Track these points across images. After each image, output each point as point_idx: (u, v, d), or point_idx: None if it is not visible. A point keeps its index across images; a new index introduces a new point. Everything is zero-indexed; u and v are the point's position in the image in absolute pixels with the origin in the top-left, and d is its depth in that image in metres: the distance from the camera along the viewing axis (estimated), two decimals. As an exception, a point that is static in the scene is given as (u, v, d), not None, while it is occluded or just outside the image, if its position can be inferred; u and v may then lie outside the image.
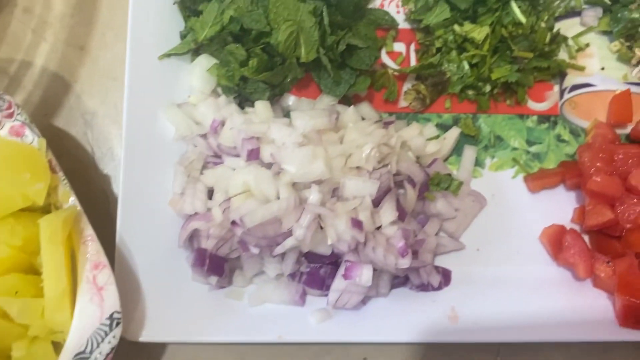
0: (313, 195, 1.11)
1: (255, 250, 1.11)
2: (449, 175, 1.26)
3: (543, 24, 1.32)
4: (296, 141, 1.12)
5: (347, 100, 1.32)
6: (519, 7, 1.27)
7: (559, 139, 1.36)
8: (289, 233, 1.11)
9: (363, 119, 1.31)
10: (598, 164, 1.25)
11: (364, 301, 1.21)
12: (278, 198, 1.13)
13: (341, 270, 1.14)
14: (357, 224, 1.10)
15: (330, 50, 1.21)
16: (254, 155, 1.14)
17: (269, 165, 1.15)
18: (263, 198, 1.14)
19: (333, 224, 1.10)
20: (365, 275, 1.11)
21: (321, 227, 1.13)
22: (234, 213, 1.10)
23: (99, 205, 1.27)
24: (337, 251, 1.14)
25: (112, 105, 1.33)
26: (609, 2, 1.38)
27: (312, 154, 1.11)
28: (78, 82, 1.35)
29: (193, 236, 1.20)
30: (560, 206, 1.32)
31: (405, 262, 1.12)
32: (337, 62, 1.24)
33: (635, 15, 1.33)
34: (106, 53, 1.36)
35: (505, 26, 1.27)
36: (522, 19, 1.25)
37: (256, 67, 1.19)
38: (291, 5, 1.20)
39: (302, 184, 1.14)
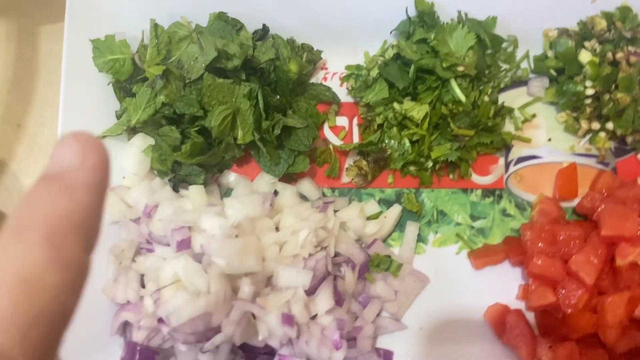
0: (243, 289, 1.09)
1: (183, 348, 1.09)
2: (389, 256, 1.24)
3: (486, 98, 1.30)
4: (226, 233, 1.10)
5: (290, 175, 1.31)
6: (460, 84, 1.25)
7: (504, 213, 1.34)
8: (219, 328, 1.08)
9: (303, 196, 1.29)
10: (540, 245, 1.23)
11: (302, 390, 1.19)
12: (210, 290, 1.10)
13: (274, 363, 1.12)
14: (288, 319, 1.08)
15: (267, 133, 1.19)
16: (184, 245, 1.12)
17: (200, 256, 1.13)
18: (194, 290, 1.11)
19: (264, 319, 1.08)
20: (296, 369, 1.09)
21: (254, 317, 1.11)
22: (160, 309, 1.08)
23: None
24: (271, 345, 1.11)
25: (49, 184, 1.30)
26: (554, 73, 1.36)
27: (242, 246, 1.09)
28: (14, 161, 1.32)
29: (126, 325, 1.17)
30: (505, 283, 1.30)
31: (339, 356, 1.10)
32: (274, 144, 1.21)
33: (580, 88, 1.31)
34: (44, 130, 1.33)
35: (446, 104, 1.25)
36: (462, 97, 1.24)
37: (189, 152, 1.16)
38: (226, 88, 1.18)
39: (237, 274, 1.12)
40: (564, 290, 1.20)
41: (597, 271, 1.16)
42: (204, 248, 1.11)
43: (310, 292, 1.15)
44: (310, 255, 1.16)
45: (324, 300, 1.14)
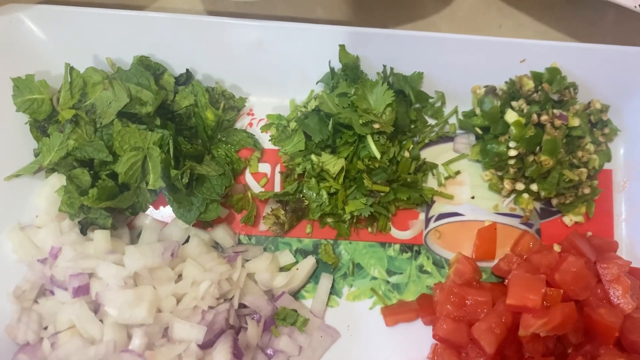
0: (134, 341, 1.08)
1: (70, 397, 1.09)
2: (295, 311, 1.23)
3: (407, 154, 1.29)
4: (120, 283, 1.09)
5: (207, 221, 1.30)
6: (377, 140, 1.24)
7: (421, 269, 1.32)
8: (109, 378, 1.08)
9: (216, 243, 1.29)
10: (448, 307, 1.21)
11: None
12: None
13: (164, 417, 1.11)
14: (175, 374, 1.07)
15: (176, 181, 1.19)
16: (81, 292, 1.12)
17: (98, 303, 1.13)
18: (88, 337, 1.11)
19: (153, 372, 1.08)
20: None
21: (147, 369, 1.10)
22: (52, 355, 1.08)
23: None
24: (160, 399, 1.10)
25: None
26: (480, 132, 1.35)
27: (135, 297, 1.09)
28: None
29: (25, 367, 1.17)
30: (417, 341, 1.28)
31: (230, 414, 1.09)
32: (184, 191, 1.21)
33: (503, 148, 1.30)
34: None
35: (362, 159, 1.25)
36: (377, 154, 1.23)
37: (97, 196, 1.16)
38: (137, 134, 1.18)
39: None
40: (467, 357, 1.18)
41: (499, 340, 1.14)
42: (98, 296, 1.11)
43: (209, 345, 1.14)
44: (210, 307, 1.16)
45: (220, 355, 1.13)
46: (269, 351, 1.24)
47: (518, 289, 1.15)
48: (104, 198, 1.18)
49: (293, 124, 1.28)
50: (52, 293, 1.19)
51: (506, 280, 1.24)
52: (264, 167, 1.36)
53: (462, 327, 1.19)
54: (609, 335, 1.14)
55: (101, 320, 1.12)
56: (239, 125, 1.36)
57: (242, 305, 1.23)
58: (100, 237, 1.18)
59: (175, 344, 1.11)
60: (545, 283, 1.16)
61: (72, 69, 1.20)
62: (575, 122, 1.30)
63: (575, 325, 1.15)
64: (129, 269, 1.11)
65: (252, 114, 1.37)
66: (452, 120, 1.38)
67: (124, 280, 1.10)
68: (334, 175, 1.25)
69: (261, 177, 1.35)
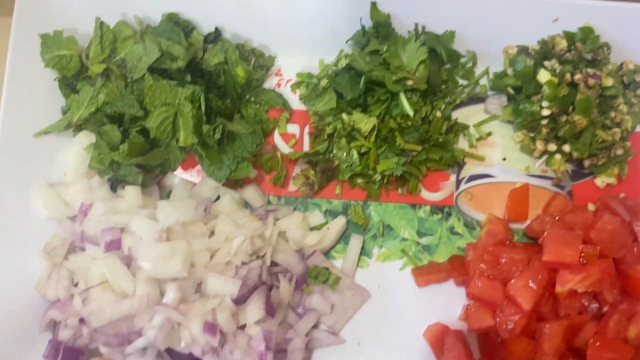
0: (168, 295, 1.07)
1: (104, 350, 1.08)
2: (327, 269, 1.22)
3: (439, 114, 1.27)
4: (154, 237, 1.08)
5: (236, 181, 1.29)
6: (409, 98, 1.22)
7: (451, 231, 1.31)
8: (142, 332, 1.07)
9: (247, 203, 1.28)
10: (482, 266, 1.20)
11: (228, 399, 1.17)
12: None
13: (198, 371, 1.10)
14: (210, 328, 1.06)
15: (208, 137, 1.18)
16: (113, 246, 1.10)
17: (130, 258, 1.12)
18: (121, 291, 1.10)
19: (187, 326, 1.06)
20: (218, 379, 1.07)
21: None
22: (84, 309, 1.07)
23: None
24: (193, 354, 1.09)
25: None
26: (512, 92, 1.34)
27: (169, 251, 1.07)
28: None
29: (55, 323, 1.16)
30: (448, 302, 1.27)
31: (263, 367, 1.08)
32: (216, 148, 1.20)
33: (536, 108, 1.28)
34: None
35: (394, 117, 1.23)
36: (410, 112, 1.21)
37: (127, 152, 1.15)
38: (168, 89, 1.17)
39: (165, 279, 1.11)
40: (502, 315, 1.17)
41: (535, 297, 1.13)
42: (132, 251, 1.09)
43: (241, 300, 1.13)
44: (243, 263, 1.15)
45: (253, 310, 1.12)
46: (300, 310, 1.23)
47: (555, 245, 1.14)
48: (134, 154, 1.17)
49: (324, 82, 1.26)
50: (82, 250, 1.17)
51: (540, 240, 1.23)
52: (293, 129, 1.34)
53: (496, 285, 1.18)
54: (647, 292, 1.13)
55: (133, 276, 1.11)
56: (267, 85, 1.35)
57: (273, 264, 1.21)
58: (131, 193, 1.17)
59: (209, 298, 1.10)
60: (581, 241, 1.15)
61: (102, 23, 1.19)
62: (609, 81, 1.28)
63: (612, 283, 1.14)
64: (163, 223, 1.10)
65: (280, 75, 1.36)
66: (483, 81, 1.37)
67: (158, 233, 1.08)
68: (366, 134, 1.23)
69: (290, 138, 1.33)
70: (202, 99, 1.17)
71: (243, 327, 1.13)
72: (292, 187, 1.31)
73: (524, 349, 1.15)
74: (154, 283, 1.10)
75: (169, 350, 1.14)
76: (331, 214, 1.30)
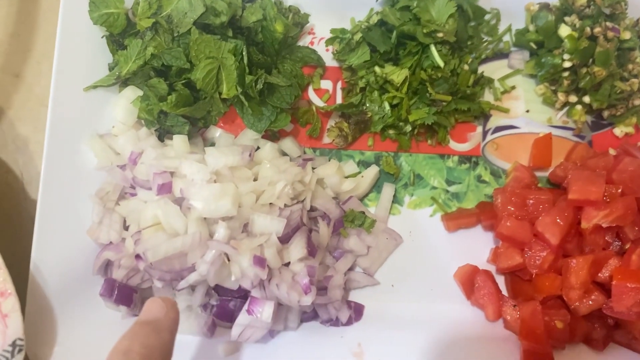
0: (219, 232, 1.14)
1: (158, 284, 1.14)
2: (363, 213, 1.29)
3: (466, 67, 1.34)
4: (205, 178, 1.15)
5: (274, 134, 1.36)
6: (439, 51, 1.29)
7: (479, 179, 1.38)
8: (194, 268, 1.14)
9: (285, 154, 1.34)
10: (510, 208, 1.27)
11: (272, 334, 1.24)
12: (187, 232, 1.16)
13: (246, 305, 1.17)
14: (259, 261, 1.12)
15: (250, 88, 1.24)
16: (164, 189, 1.17)
17: (180, 200, 1.18)
18: (172, 232, 1.17)
19: (237, 260, 1.13)
20: (266, 311, 1.14)
21: (228, 260, 1.16)
22: (139, 247, 1.13)
23: (24, 230, 1.30)
24: (243, 286, 1.16)
25: (44, 133, 1.36)
26: (534, 47, 1.40)
27: (220, 191, 1.14)
28: (12, 109, 1.38)
29: (108, 265, 1.23)
30: (477, 246, 1.34)
31: (307, 300, 1.15)
32: (257, 99, 1.27)
33: (558, 60, 1.35)
34: (40, 81, 1.39)
35: (425, 69, 1.30)
36: (441, 62, 1.28)
37: (175, 102, 1.22)
38: (212, 43, 1.23)
39: (214, 219, 1.17)
40: (530, 252, 1.23)
41: (562, 233, 1.19)
42: (183, 192, 1.16)
43: (285, 240, 1.20)
44: (286, 206, 1.21)
45: (297, 248, 1.19)
46: (336, 253, 1.30)
47: (579, 183, 1.20)
48: (181, 104, 1.23)
49: (357, 36, 1.33)
50: (133, 195, 1.24)
51: (564, 184, 1.29)
52: (326, 84, 1.41)
53: (524, 224, 1.24)
54: (668, 227, 1.19)
55: (185, 217, 1.18)
56: (300, 43, 1.41)
57: (312, 209, 1.28)
58: (179, 140, 1.24)
59: (257, 236, 1.16)
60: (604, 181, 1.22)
61: (149, -20, 1.25)
62: (627, 35, 1.35)
63: (634, 219, 1.21)
64: (212, 166, 1.17)
65: (313, 33, 1.42)
66: (506, 38, 1.43)
67: (208, 175, 1.15)
68: (398, 85, 1.30)
69: (323, 93, 1.40)
70: (245, 52, 1.24)
71: (287, 265, 1.20)
72: (326, 139, 1.38)
73: (551, 283, 1.22)
74: (204, 223, 1.16)
75: (216, 289, 1.21)
76: (364, 164, 1.37)
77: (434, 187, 1.37)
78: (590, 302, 1.20)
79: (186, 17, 1.24)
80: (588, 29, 1.33)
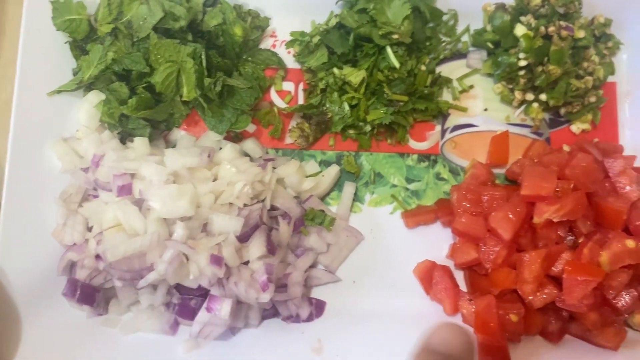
0: (177, 232, 1.17)
1: (118, 283, 1.17)
2: (323, 211, 1.32)
3: (424, 67, 1.37)
4: (163, 179, 1.18)
5: (237, 135, 1.39)
6: (395, 52, 1.32)
7: (438, 177, 1.41)
8: (153, 267, 1.16)
9: (247, 155, 1.37)
10: (466, 204, 1.30)
11: (234, 331, 1.26)
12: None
13: (205, 303, 1.19)
14: (216, 260, 1.15)
15: (209, 91, 1.27)
16: (124, 191, 1.20)
17: (140, 201, 1.21)
18: (133, 232, 1.19)
19: (195, 259, 1.16)
20: (224, 309, 1.17)
21: (187, 259, 1.18)
22: (99, 247, 1.16)
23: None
24: (202, 285, 1.19)
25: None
26: (492, 46, 1.43)
27: (177, 192, 1.17)
28: (-21, 114, 1.41)
29: (72, 266, 1.26)
30: (436, 242, 1.37)
31: (265, 297, 1.17)
32: (217, 101, 1.29)
33: (514, 59, 1.38)
34: (7, 87, 1.42)
35: (382, 70, 1.33)
36: (396, 64, 1.31)
37: (135, 106, 1.25)
38: (171, 47, 1.26)
39: (173, 219, 1.20)
40: (484, 247, 1.26)
41: (515, 228, 1.22)
42: (142, 193, 1.19)
43: (244, 239, 1.22)
44: (245, 205, 1.24)
45: (255, 247, 1.21)
46: (298, 251, 1.32)
47: (532, 179, 1.23)
48: (142, 107, 1.26)
49: (316, 39, 1.35)
50: (95, 197, 1.27)
51: (519, 180, 1.32)
52: (288, 86, 1.44)
53: (479, 220, 1.27)
54: (617, 221, 1.22)
55: (144, 217, 1.20)
56: (262, 46, 1.44)
57: (273, 208, 1.31)
58: (140, 143, 1.27)
59: (215, 236, 1.19)
60: (557, 178, 1.25)
61: (109, -13, 1.28)
62: (581, 33, 1.38)
63: (585, 214, 1.24)
64: (170, 167, 1.20)
65: (275, 36, 1.45)
66: (465, 38, 1.46)
67: (166, 176, 1.18)
68: (356, 86, 1.33)
69: (285, 95, 1.43)
70: (203, 56, 1.26)
71: (247, 263, 1.23)
72: (288, 139, 1.41)
73: (505, 277, 1.25)
74: (163, 223, 1.19)
75: (177, 287, 1.24)
76: (325, 164, 1.40)
77: (394, 185, 1.40)
78: (544, 296, 1.23)
79: (145, 22, 1.26)
80: (542, 28, 1.36)
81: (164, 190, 1.17)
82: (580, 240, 1.26)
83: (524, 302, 1.24)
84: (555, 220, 1.21)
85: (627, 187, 1.24)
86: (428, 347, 0.99)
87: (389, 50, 1.31)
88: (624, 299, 1.21)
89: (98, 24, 1.28)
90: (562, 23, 1.36)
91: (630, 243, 1.18)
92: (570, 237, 1.27)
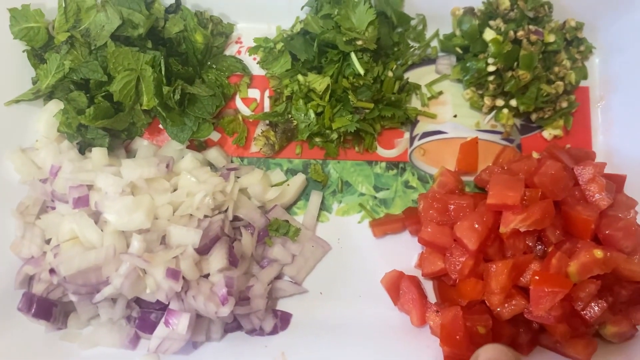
0: (132, 245, 1.14)
1: (74, 298, 1.14)
2: (287, 221, 1.29)
3: (390, 74, 1.34)
4: (118, 191, 1.15)
5: (200, 144, 1.36)
6: (360, 58, 1.29)
7: (406, 185, 1.38)
8: (109, 281, 1.14)
9: (211, 164, 1.34)
10: (432, 213, 1.27)
11: (195, 345, 1.24)
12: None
13: (164, 317, 1.16)
14: (173, 274, 1.12)
15: (169, 99, 1.25)
16: (81, 203, 1.17)
17: (97, 213, 1.18)
18: (89, 245, 1.17)
19: (151, 273, 1.13)
20: (182, 323, 1.14)
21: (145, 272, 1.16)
22: (54, 261, 1.13)
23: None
24: (159, 299, 1.16)
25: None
26: (460, 51, 1.41)
27: (132, 204, 1.14)
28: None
29: (30, 279, 1.23)
30: (404, 251, 1.34)
31: (225, 311, 1.15)
32: (177, 110, 1.27)
33: (482, 65, 1.35)
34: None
35: (347, 77, 1.30)
36: (361, 70, 1.28)
37: (93, 115, 1.22)
38: (130, 55, 1.23)
39: (131, 231, 1.17)
40: (451, 257, 1.23)
41: (480, 238, 1.19)
42: (98, 205, 1.16)
43: (204, 251, 1.20)
44: (206, 216, 1.21)
45: (216, 259, 1.19)
46: (264, 262, 1.30)
47: (498, 188, 1.20)
48: (100, 117, 1.23)
49: (279, 45, 1.33)
50: (53, 209, 1.24)
51: (487, 188, 1.29)
52: (254, 93, 1.41)
53: (445, 229, 1.24)
54: (586, 230, 1.19)
55: (101, 230, 1.18)
56: (227, 53, 1.42)
57: (237, 219, 1.28)
58: (97, 153, 1.24)
59: (173, 248, 1.16)
60: (525, 186, 1.22)
61: (65, -6, 1.25)
62: (551, 38, 1.35)
63: (554, 223, 1.21)
64: (126, 178, 1.17)
65: (241, 42, 1.43)
66: (434, 43, 1.44)
67: (122, 188, 1.15)
68: (321, 94, 1.30)
69: (251, 102, 1.40)
70: (163, 64, 1.24)
71: (207, 276, 1.20)
72: (254, 148, 1.38)
73: (473, 288, 1.22)
74: (120, 236, 1.16)
75: (137, 301, 1.21)
76: (292, 172, 1.37)
77: (362, 194, 1.37)
78: (512, 307, 1.20)
79: (103, 30, 1.24)
80: (512, 33, 1.34)
81: (119, 202, 1.14)
82: (550, 250, 1.23)
83: (492, 313, 1.22)
84: (522, 229, 1.18)
85: (597, 195, 1.22)
86: None
87: (353, 56, 1.29)
88: (593, 310, 1.18)
89: (55, 32, 1.25)
90: (532, 27, 1.34)
91: (598, 253, 1.15)
92: (540, 246, 1.25)
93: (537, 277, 1.17)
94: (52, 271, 1.13)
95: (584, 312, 1.18)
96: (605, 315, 1.19)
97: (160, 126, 1.36)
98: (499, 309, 1.20)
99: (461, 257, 1.22)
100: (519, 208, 1.19)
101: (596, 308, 1.18)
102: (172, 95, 1.24)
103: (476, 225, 1.20)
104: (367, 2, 1.31)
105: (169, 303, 1.17)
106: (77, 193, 1.17)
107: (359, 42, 1.28)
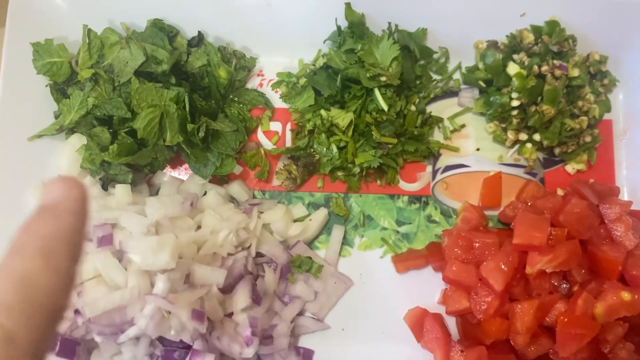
0: (157, 286, 1.13)
1: (98, 339, 1.14)
2: (310, 258, 1.28)
3: (413, 108, 1.34)
4: (142, 231, 1.14)
5: (222, 178, 1.35)
6: (384, 94, 1.29)
7: (429, 219, 1.37)
8: (134, 321, 1.13)
9: (233, 198, 1.34)
10: (457, 251, 1.26)
11: (219, 385, 1.23)
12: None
13: (188, 357, 1.16)
14: (198, 315, 1.12)
15: (193, 136, 1.24)
16: (105, 242, 1.17)
17: (122, 252, 1.18)
18: (113, 284, 1.16)
19: (176, 314, 1.12)
20: (206, 365, 1.13)
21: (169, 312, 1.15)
22: (78, 301, 1.13)
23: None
24: (183, 340, 1.15)
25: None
26: (484, 85, 1.40)
27: (157, 244, 1.13)
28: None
29: (53, 316, 1.22)
30: (427, 287, 1.33)
31: (249, 352, 1.14)
32: (201, 146, 1.26)
33: (506, 99, 1.34)
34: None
35: (370, 112, 1.29)
36: (385, 106, 1.27)
37: (117, 152, 1.21)
38: (154, 91, 1.23)
39: (155, 271, 1.17)
40: (476, 297, 1.23)
41: (507, 278, 1.18)
42: (122, 244, 1.16)
43: (228, 290, 1.19)
44: (229, 254, 1.21)
45: (240, 298, 1.18)
46: (286, 298, 1.29)
47: (524, 228, 1.20)
48: (123, 154, 1.23)
49: (302, 80, 1.32)
50: (77, 246, 1.23)
51: (512, 225, 1.29)
52: (275, 126, 1.40)
53: (470, 268, 1.24)
54: (613, 270, 1.18)
55: (125, 269, 1.17)
56: (249, 86, 1.41)
57: (259, 255, 1.28)
58: (121, 190, 1.23)
59: (197, 288, 1.16)
60: (550, 224, 1.21)
61: (89, 30, 1.25)
62: (575, 72, 1.34)
63: (580, 262, 1.20)
64: (151, 218, 1.16)
65: (262, 75, 1.42)
66: (456, 75, 1.43)
67: (146, 228, 1.15)
68: (344, 129, 1.30)
69: (273, 135, 1.40)
70: (187, 100, 1.23)
71: (231, 315, 1.20)
72: (275, 181, 1.37)
73: (498, 328, 1.21)
74: (144, 275, 1.16)
75: (160, 339, 1.20)
76: (314, 206, 1.37)
77: (384, 228, 1.36)
78: (538, 347, 1.20)
79: (127, 66, 1.23)
80: (536, 67, 1.33)
81: (143, 243, 1.13)
82: (575, 289, 1.22)
83: (517, 353, 1.21)
84: (548, 271, 1.17)
85: (623, 235, 1.21)
86: None
87: (377, 92, 1.28)
88: (620, 353, 1.17)
89: (78, 68, 1.25)
90: (556, 62, 1.33)
91: (626, 295, 1.14)
92: (565, 285, 1.24)
93: (564, 319, 1.16)
94: (76, 312, 1.12)
95: (611, 355, 1.17)
96: (631, 358, 1.18)
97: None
98: (524, 349, 1.20)
99: (487, 297, 1.21)
100: (545, 248, 1.18)
101: (623, 351, 1.17)
102: (196, 132, 1.23)
103: (502, 266, 1.19)
104: (391, 38, 1.30)
105: (193, 342, 1.16)
106: (102, 232, 1.17)
107: (383, 78, 1.27)
